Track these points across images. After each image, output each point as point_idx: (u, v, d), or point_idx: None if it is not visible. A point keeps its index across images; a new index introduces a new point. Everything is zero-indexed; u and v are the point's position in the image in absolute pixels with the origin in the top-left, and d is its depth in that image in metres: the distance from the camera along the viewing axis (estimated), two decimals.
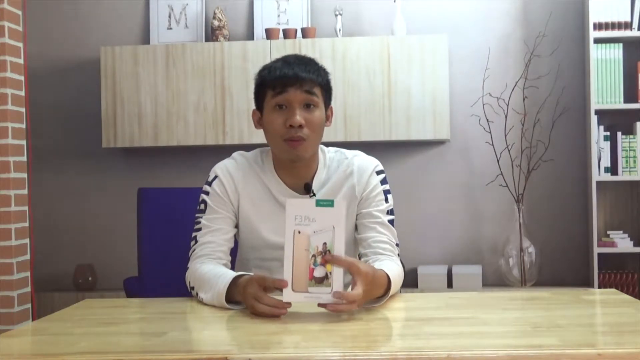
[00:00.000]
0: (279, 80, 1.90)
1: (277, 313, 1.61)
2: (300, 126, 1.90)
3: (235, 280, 1.75)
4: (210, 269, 1.88)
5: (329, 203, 1.61)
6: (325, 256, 1.60)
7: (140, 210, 2.46)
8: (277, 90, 1.91)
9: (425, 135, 3.95)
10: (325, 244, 1.60)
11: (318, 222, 1.60)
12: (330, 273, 1.60)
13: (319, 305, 1.61)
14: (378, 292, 1.71)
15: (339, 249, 1.60)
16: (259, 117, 2.00)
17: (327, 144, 2.10)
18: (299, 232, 1.60)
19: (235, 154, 2.08)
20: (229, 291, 1.75)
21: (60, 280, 4.30)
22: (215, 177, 2.03)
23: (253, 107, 2.03)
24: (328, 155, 2.05)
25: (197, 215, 2.02)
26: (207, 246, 1.97)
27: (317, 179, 2.00)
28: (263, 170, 2.02)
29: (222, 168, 2.04)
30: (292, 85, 1.90)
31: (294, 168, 1.98)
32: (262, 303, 1.63)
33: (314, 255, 1.60)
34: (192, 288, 1.90)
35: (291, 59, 1.95)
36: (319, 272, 1.60)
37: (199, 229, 1.99)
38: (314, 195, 1.98)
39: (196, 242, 1.99)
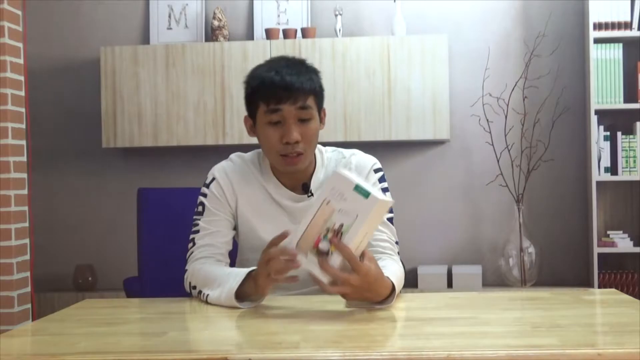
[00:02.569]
0: (272, 94, 1.87)
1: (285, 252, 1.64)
2: (297, 142, 1.88)
3: (249, 273, 1.76)
4: (217, 268, 1.88)
5: (365, 193, 1.58)
6: (335, 239, 1.59)
7: (140, 210, 2.46)
8: (270, 107, 1.87)
9: (425, 135, 3.95)
10: (342, 225, 1.59)
11: (348, 203, 1.59)
12: (332, 253, 1.60)
13: (309, 273, 1.62)
14: (373, 297, 1.67)
15: (350, 238, 1.58)
16: (252, 124, 1.97)
17: (326, 144, 2.10)
18: (328, 203, 1.60)
19: (232, 156, 2.07)
20: (241, 289, 1.74)
21: (60, 280, 4.30)
22: (213, 179, 2.02)
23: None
24: (326, 155, 2.05)
25: (195, 217, 2.01)
26: (206, 249, 1.96)
27: (315, 178, 2.00)
28: (260, 172, 2.02)
29: (220, 170, 2.04)
30: (286, 100, 1.86)
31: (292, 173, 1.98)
32: (268, 252, 1.66)
33: (328, 229, 1.60)
34: (194, 287, 1.89)
35: (282, 68, 1.89)
36: (323, 245, 1.60)
37: (197, 231, 1.99)
38: (312, 195, 1.98)
39: (194, 244, 1.98)
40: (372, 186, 1.97)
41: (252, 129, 1.98)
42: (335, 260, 1.60)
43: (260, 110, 1.91)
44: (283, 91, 1.86)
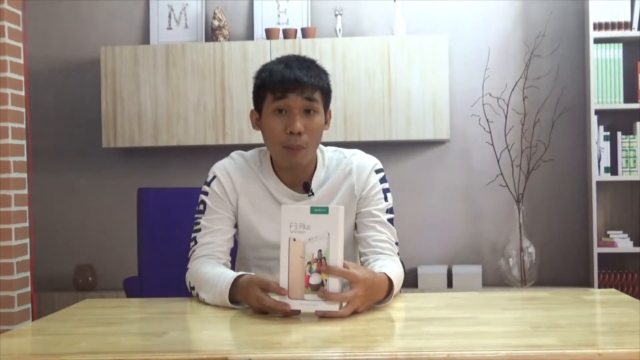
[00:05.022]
0: (279, 84, 1.89)
1: (280, 308, 1.60)
2: (300, 133, 1.89)
3: (236, 280, 1.75)
4: (210, 269, 1.88)
5: (324, 210, 1.59)
6: (321, 266, 1.59)
7: (140, 210, 2.46)
8: (277, 94, 1.90)
9: (425, 135, 3.95)
10: (320, 251, 1.58)
11: (313, 229, 1.59)
12: (326, 280, 1.59)
13: (317, 313, 1.60)
14: (379, 296, 1.70)
15: (334, 256, 1.58)
16: (257, 117, 2.00)
17: (326, 144, 2.10)
18: (294, 240, 1.60)
19: (233, 154, 2.08)
20: (231, 291, 1.74)
21: (60, 280, 4.30)
22: (214, 177, 2.03)
23: (252, 107, 2.02)
24: (327, 155, 2.05)
25: (196, 215, 2.02)
26: (207, 247, 1.97)
27: (316, 178, 2.00)
28: (261, 170, 2.02)
29: (221, 168, 2.04)
30: (293, 90, 1.89)
31: (292, 168, 1.98)
32: (264, 303, 1.63)
33: (309, 263, 1.59)
34: (193, 288, 1.90)
35: (292, 62, 1.93)
36: (314, 279, 1.59)
37: (199, 230, 1.99)
38: (313, 194, 1.98)
39: (195, 242, 1.98)
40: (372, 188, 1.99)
41: (257, 123, 2.00)
42: (334, 285, 1.59)
43: (267, 100, 1.93)
44: (291, 83, 1.89)
